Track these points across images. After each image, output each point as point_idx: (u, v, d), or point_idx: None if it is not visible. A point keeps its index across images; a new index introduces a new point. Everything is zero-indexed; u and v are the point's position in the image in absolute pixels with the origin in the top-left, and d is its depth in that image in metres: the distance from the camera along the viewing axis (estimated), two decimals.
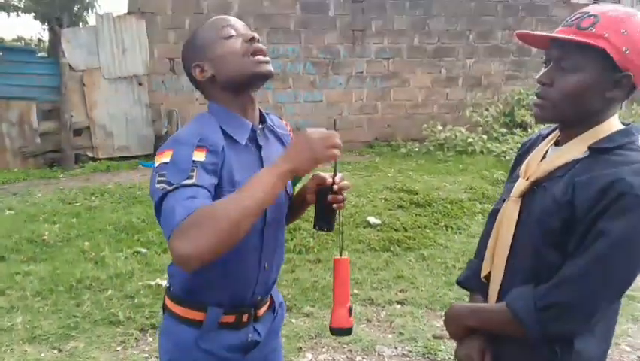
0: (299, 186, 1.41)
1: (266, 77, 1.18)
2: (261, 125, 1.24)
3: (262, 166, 1.19)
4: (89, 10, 13.35)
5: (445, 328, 1.25)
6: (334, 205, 1.25)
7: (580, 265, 0.96)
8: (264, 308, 1.31)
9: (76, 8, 12.64)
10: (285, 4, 8.08)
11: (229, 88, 1.18)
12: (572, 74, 0.98)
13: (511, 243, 1.11)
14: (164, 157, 1.07)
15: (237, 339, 1.24)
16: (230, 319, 1.22)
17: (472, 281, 1.27)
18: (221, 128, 1.16)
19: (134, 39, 7.64)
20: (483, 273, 1.20)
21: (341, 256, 1.26)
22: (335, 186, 1.24)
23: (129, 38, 7.62)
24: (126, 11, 7.70)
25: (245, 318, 1.24)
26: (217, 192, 1.07)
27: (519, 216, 1.09)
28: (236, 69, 1.15)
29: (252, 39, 1.16)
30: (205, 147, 1.08)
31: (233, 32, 1.16)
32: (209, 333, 1.20)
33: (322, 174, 1.28)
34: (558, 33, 1.01)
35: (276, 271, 1.33)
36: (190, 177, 1.02)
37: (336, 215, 1.29)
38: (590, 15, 0.98)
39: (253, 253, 1.21)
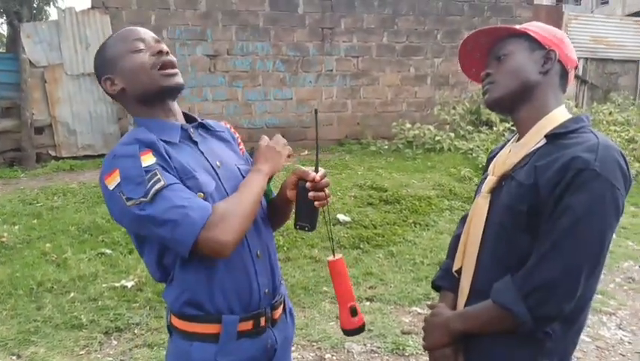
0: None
1: (176, 89, 1.19)
2: (191, 125, 1.24)
3: (206, 159, 1.20)
4: (51, 5, 12.93)
5: (425, 335, 1.23)
6: (316, 203, 1.21)
7: (551, 243, 1.00)
8: (279, 310, 1.27)
9: (36, 2, 12.22)
10: (254, 1, 8.01)
11: (142, 100, 1.18)
12: (508, 58, 1.14)
13: (482, 236, 1.15)
14: (113, 180, 1.06)
15: (257, 347, 1.20)
16: (248, 326, 1.17)
17: (445, 280, 1.31)
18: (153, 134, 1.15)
19: (97, 34, 7.43)
20: (455, 267, 1.24)
21: (334, 256, 1.24)
22: (310, 184, 1.20)
23: (93, 34, 7.41)
24: (89, 6, 7.50)
25: (262, 322, 1.20)
26: None
27: (489, 210, 1.15)
28: (145, 82, 1.15)
29: (160, 52, 1.16)
30: (146, 149, 1.08)
31: (142, 46, 1.15)
32: (228, 345, 1.14)
33: (302, 167, 1.25)
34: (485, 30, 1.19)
35: (274, 260, 1.29)
36: (158, 181, 1.04)
37: (319, 213, 1.24)
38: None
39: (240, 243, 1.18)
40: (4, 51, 8.66)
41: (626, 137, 7.15)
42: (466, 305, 1.19)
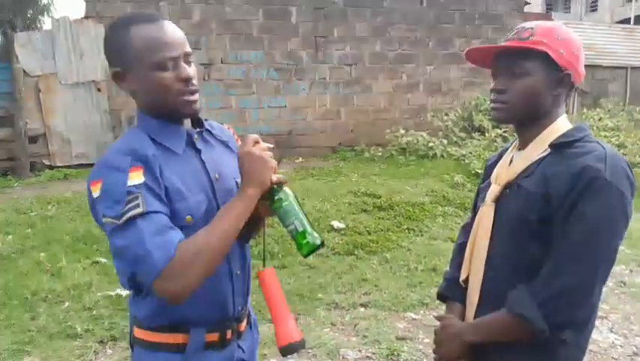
0: None
1: (192, 115, 1.14)
2: (197, 129, 1.18)
3: (206, 170, 1.14)
4: (45, 14, 12.95)
5: (436, 347, 1.23)
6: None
7: (565, 251, 1.02)
8: (244, 323, 1.26)
9: (30, 12, 12.22)
10: (248, 10, 8.08)
11: (153, 109, 1.12)
12: (523, 78, 1.10)
13: (489, 245, 1.17)
14: (96, 190, 1.01)
15: (223, 359, 1.18)
16: (215, 337, 1.15)
17: (451, 290, 1.31)
18: (153, 139, 1.09)
19: (91, 44, 7.45)
20: (462, 277, 1.25)
21: (264, 266, 1.19)
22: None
23: (87, 43, 7.43)
24: (83, 15, 7.52)
25: (229, 335, 1.18)
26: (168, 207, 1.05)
27: (494, 219, 1.16)
28: (163, 104, 1.08)
29: (187, 80, 1.08)
30: (139, 164, 1.02)
31: (170, 64, 1.05)
32: (194, 356, 1.12)
33: None
34: (503, 45, 1.14)
35: (248, 277, 1.27)
36: (136, 206, 0.97)
37: (258, 224, 1.24)
38: (527, 28, 1.13)
39: (221, 261, 1.14)
40: None
41: (616, 142, 7.24)
42: (476, 314, 1.19)
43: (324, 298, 3.40)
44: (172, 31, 1.08)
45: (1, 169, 7.17)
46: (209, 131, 1.23)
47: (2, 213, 5.09)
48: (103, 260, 3.95)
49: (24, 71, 7.12)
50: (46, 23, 13.28)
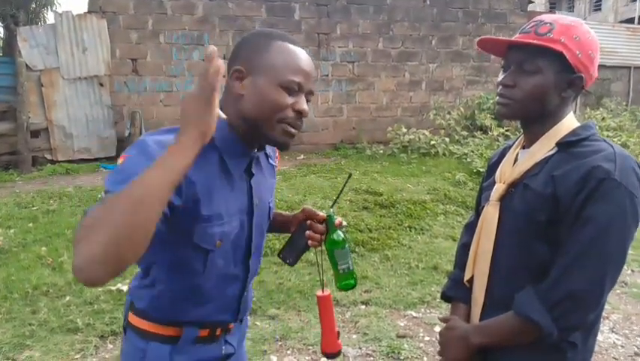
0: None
1: (280, 147, 1.11)
2: (257, 152, 1.16)
3: (251, 195, 1.13)
4: (48, 8, 12.95)
5: (441, 349, 1.21)
6: (309, 242, 1.25)
7: (575, 253, 1.00)
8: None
9: (33, 6, 12.22)
10: (251, 7, 8.07)
11: (245, 123, 1.06)
12: (533, 76, 1.06)
13: (494, 245, 1.14)
14: (120, 162, 0.94)
15: (212, 353, 1.19)
16: (204, 333, 1.16)
17: (456, 290, 1.29)
18: (218, 152, 1.05)
19: (94, 38, 7.46)
20: (466, 278, 1.23)
21: (323, 291, 1.30)
22: (310, 223, 1.26)
23: (89, 38, 7.43)
24: (86, 10, 7.52)
25: (218, 332, 1.20)
26: (193, 223, 1.02)
27: (499, 218, 1.14)
28: (263, 122, 1.03)
29: (301, 113, 1.05)
30: None
31: (295, 88, 1.04)
32: (183, 348, 1.13)
33: (311, 208, 1.29)
34: (518, 39, 1.09)
35: (251, 289, 1.29)
36: None
37: (304, 252, 1.30)
38: (546, 23, 1.08)
39: (235, 283, 1.17)
40: (1, 55, 8.67)
41: (619, 142, 7.22)
42: (482, 316, 1.18)
43: None
44: (310, 63, 1.09)
45: (3, 163, 7.18)
46: (266, 154, 1.21)
47: (4, 207, 5.09)
48: None
49: (26, 65, 7.13)
50: (49, 18, 13.29)
